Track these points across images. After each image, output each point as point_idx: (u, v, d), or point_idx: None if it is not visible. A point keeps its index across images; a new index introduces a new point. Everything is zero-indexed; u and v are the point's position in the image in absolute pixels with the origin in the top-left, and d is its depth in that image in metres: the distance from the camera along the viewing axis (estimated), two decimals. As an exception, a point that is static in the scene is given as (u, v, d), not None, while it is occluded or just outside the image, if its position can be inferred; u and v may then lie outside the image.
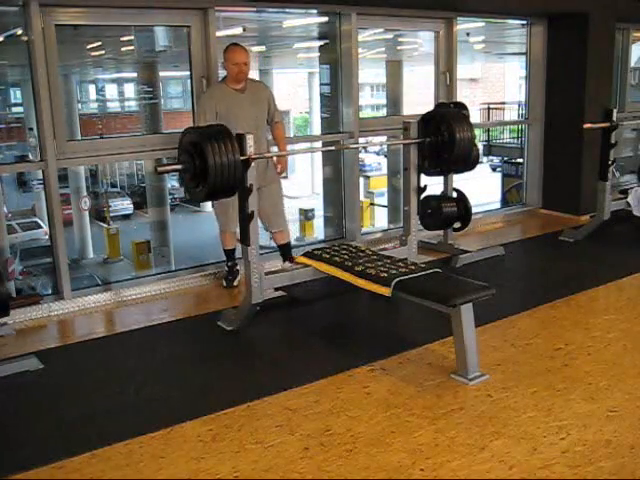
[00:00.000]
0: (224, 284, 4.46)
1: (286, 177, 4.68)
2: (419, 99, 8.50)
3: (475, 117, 16.38)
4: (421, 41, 9.67)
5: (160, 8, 4.32)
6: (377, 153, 20.61)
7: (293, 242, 4.95)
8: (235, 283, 4.46)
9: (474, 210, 4.98)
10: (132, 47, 11.53)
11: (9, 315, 3.37)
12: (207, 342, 3.54)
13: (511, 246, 5.28)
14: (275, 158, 4.39)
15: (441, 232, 5.05)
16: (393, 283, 3.18)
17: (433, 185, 4.54)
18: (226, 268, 4.49)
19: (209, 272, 4.65)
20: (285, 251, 4.53)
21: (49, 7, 3.86)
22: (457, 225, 4.91)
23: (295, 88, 23.12)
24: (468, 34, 8.06)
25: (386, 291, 3.19)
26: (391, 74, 11.92)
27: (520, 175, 6.91)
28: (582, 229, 5.44)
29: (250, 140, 3.29)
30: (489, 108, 19.55)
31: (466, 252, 4.86)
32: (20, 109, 17.26)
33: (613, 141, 5.14)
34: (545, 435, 2.50)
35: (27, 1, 3.76)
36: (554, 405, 2.72)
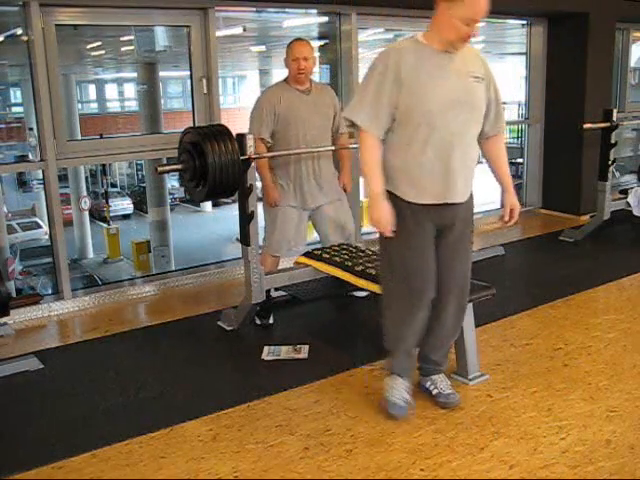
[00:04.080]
0: (256, 321, 3.71)
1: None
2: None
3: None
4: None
5: (160, 8, 4.32)
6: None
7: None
8: (270, 321, 3.73)
9: (474, 210, 4.96)
10: (132, 47, 11.54)
11: (9, 315, 3.37)
12: (207, 342, 3.54)
13: (511, 246, 5.28)
14: (337, 173, 3.95)
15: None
16: (393, 283, 3.18)
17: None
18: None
19: (209, 272, 4.65)
20: None
21: (49, 7, 3.86)
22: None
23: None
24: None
25: (386, 291, 3.19)
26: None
27: (520, 175, 6.91)
28: (582, 229, 5.44)
29: (250, 140, 3.28)
30: (489, 108, 19.51)
31: (466, 252, 4.85)
32: (20, 109, 17.27)
33: (613, 141, 5.14)
34: (545, 435, 2.50)
35: (27, 1, 3.76)
36: (554, 405, 2.72)
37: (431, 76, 2.43)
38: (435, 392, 2.75)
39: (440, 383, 2.77)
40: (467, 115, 2.49)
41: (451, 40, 2.41)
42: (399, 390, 2.67)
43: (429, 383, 2.79)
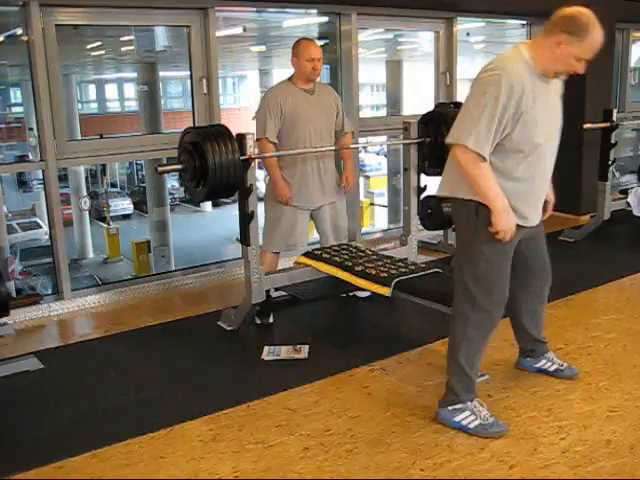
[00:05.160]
0: (256, 321, 3.71)
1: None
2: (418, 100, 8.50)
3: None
4: (421, 41, 9.68)
5: (160, 8, 4.32)
6: (377, 153, 20.62)
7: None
8: (270, 320, 3.73)
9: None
10: (132, 47, 11.54)
11: (9, 315, 3.37)
12: (207, 342, 3.54)
13: (511, 246, 5.27)
14: (337, 174, 3.95)
15: (441, 232, 5.05)
16: (393, 283, 3.18)
17: (433, 185, 4.53)
18: None
19: (209, 272, 4.65)
20: None
21: (49, 7, 3.86)
22: (457, 225, 4.90)
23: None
24: (468, 34, 8.05)
25: (386, 291, 3.19)
26: (391, 74, 11.92)
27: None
28: (582, 229, 5.44)
29: (250, 140, 3.28)
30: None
31: (466, 252, 4.85)
32: (20, 109, 17.29)
33: (613, 141, 5.14)
34: (545, 435, 2.50)
35: (27, 1, 3.76)
36: (554, 405, 2.72)
37: (542, 108, 2.39)
38: (554, 368, 2.92)
39: (556, 359, 2.95)
40: (557, 140, 2.55)
41: (557, 72, 2.42)
42: (485, 409, 2.57)
43: (544, 361, 2.93)
